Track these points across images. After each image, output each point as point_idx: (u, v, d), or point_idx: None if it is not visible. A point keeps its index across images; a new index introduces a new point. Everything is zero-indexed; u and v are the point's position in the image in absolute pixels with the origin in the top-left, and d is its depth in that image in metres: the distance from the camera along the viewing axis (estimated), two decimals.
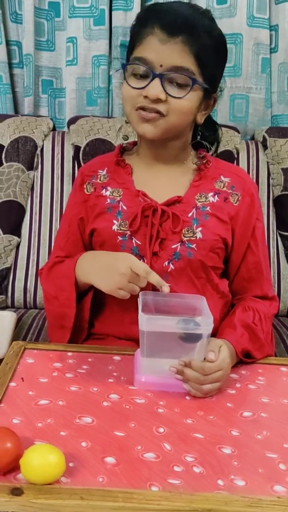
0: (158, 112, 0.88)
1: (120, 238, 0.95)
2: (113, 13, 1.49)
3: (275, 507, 0.59)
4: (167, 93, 0.88)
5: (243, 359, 0.90)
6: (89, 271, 0.91)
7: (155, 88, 0.87)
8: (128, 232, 0.95)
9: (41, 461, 0.58)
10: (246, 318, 0.95)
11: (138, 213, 0.94)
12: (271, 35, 1.52)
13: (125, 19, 1.48)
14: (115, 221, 0.96)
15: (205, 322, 0.78)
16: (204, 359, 0.80)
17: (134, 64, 0.89)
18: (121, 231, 0.95)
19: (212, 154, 1.06)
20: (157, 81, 0.87)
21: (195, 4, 0.99)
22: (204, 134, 1.03)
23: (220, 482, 0.62)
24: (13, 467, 0.59)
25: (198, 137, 1.02)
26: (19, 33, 1.55)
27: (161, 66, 0.87)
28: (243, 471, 0.64)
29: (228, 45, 0.96)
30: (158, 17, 0.88)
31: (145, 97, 0.88)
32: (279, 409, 0.79)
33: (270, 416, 0.77)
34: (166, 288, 0.84)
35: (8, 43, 1.55)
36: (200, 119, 0.96)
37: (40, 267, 1.33)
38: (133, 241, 0.95)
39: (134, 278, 0.84)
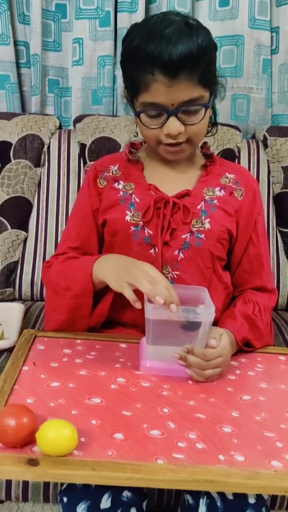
0: (182, 142, 0.94)
1: (133, 228, 0.99)
2: (118, 14, 1.53)
3: (273, 479, 0.63)
4: (185, 124, 0.91)
5: (243, 348, 0.94)
6: (107, 265, 0.91)
7: (173, 125, 0.90)
8: (141, 223, 0.99)
9: (55, 434, 0.62)
10: (247, 309, 0.99)
11: (151, 204, 0.98)
12: (272, 37, 1.55)
13: (130, 21, 1.51)
14: (128, 212, 1.00)
15: (206, 311, 0.82)
16: (206, 346, 0.84)
17: (147, 111, 0.91)
18: (134, 222, 0.99)
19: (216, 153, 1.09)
20: (173, 118, 0.90)
21: (179, 17, 0.90)
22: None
23: (221, 457, 0.66)
24: (30, 440, 0.64)
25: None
26: (27, 33, 1.58)
27: (172, 104, 0.89)
28: (242, 448, 0.68)
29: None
30: (154, 60, 0.85)
31: (167, 135, 0.92)
32: (277, 393, 0.83)
33: (268, 399, 0.81)
34: (174, 307, 0.80)
35: (16, 43, 1.58)
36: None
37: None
38: (145, 231, 0.99)
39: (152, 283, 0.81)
